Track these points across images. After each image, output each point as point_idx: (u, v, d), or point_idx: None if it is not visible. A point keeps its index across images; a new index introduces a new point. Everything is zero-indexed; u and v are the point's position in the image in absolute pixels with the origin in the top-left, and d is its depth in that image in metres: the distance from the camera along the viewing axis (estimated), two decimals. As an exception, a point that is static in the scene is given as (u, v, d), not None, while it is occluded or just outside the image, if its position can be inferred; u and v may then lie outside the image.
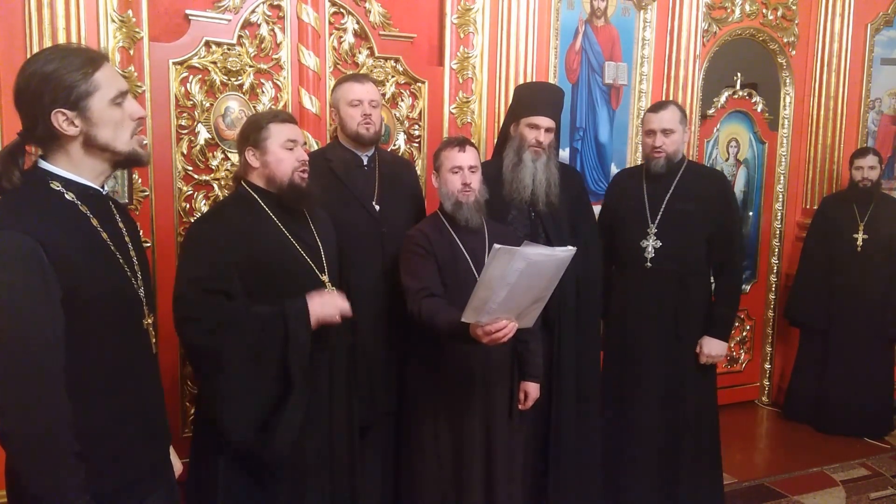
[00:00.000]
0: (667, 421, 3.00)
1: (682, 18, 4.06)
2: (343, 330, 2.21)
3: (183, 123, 3.07)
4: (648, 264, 2.99)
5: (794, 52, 4.57)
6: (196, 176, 3.13)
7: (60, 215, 1.40)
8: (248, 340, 1.96)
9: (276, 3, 3.15)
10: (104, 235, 1.47)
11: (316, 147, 3.09)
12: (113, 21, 2.83)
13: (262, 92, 3.18)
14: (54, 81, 1.39)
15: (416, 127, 3.54)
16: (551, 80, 3.75)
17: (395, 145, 3.49)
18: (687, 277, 2.97)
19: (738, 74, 4.43)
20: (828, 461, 3.87)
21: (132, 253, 1.54)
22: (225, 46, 3.09)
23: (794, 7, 4.51)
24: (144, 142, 2.89)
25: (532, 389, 2.58)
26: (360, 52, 3.36)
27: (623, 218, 3.08)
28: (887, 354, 4.31)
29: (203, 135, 3.11)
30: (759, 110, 4.53)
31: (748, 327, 4.76)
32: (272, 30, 3.17)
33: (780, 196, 4.72)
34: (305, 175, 2.14)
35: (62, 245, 1.36)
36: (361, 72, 3.30)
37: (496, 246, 1.88)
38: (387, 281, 2.59)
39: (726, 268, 3.04)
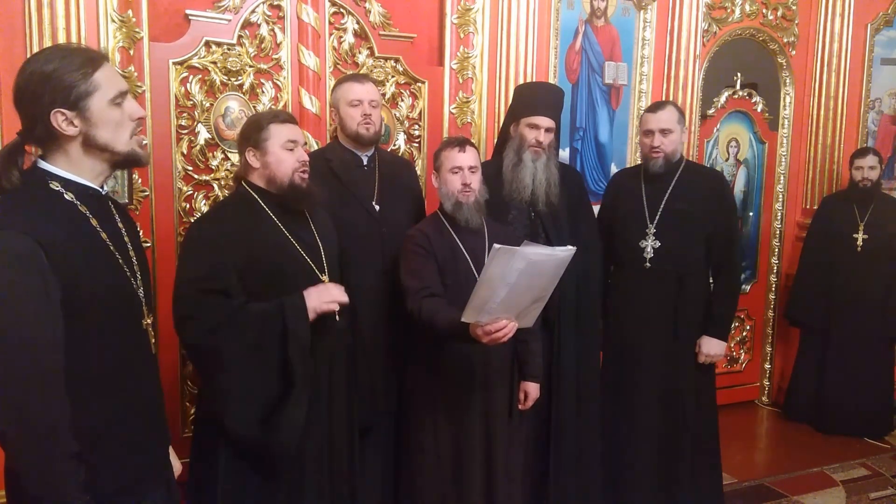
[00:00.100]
0: (666, 421, 3.00)
1: (682, 18, 4.06)
2: (343, 330, 2.21)
3: (183, 123, 3.07)
4: (647, 264, 2.99)
5: (794, 52, 4.57)
6: (196, 176, 3.13)
7: (60, 216, 1.40)
8: (247, 338, 1.97)
9: (276, 3, 3.15)
10: (103, 236, 1.47)
11: (316, 147, 3.09)
12: (113, 21, 2.83)
13: (262, 92, 3.18)
14: (54, 81, 1.38)
15: (416, 127, 3.54)
16: (551, 80, 3.76)
17: (395, 145, 3.49)
18: (686, 277, 2.97)
19: (738, 74, 4.43)
20: (828, 461, 3.87)
21: (131, 253, 1.54)
22: (225, 46, 3.10)
23: (794, 7, 4.51)
24: (144, 142, 2.89)
25: (532, 389, 2.58)
26: (360, 52, 3.37)
27: (622, 218, 3.08)
28: (887, 354, 4.31)
29: (203, 135, 3.11)
30: (759, 110, 4.53)
31: (748, 327, 4.76)
32: (272, 30, 3.17)
33: (780, 196, 4.72)
34: (306, 175, 2.14)
35: (61, 245, 1.35)
36: (361, 72, 3.30)
37: (496, 245, 1.88)
38: (386, 281, 2.59)
39: (725, 267, 3.04)
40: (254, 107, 3.16)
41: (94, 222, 1.46)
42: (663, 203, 2.99)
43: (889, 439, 4.23)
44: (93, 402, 1.43)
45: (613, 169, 4.02)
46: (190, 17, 3.03)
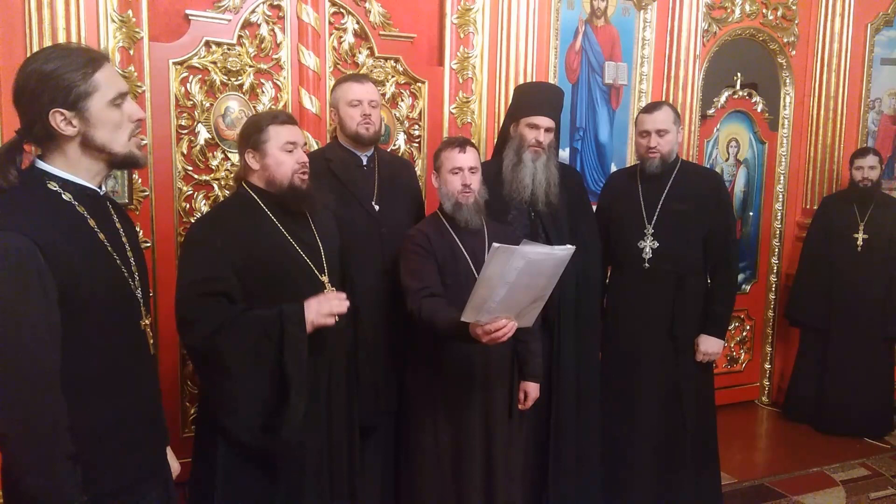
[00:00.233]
0: (665, 420, 3.00)
1: (682, 18, 4.06)
2: (342, 330, 2.21)
3: (183, 123, 3.07)
4: (646, 265, 2.99)
5: (794, 52, 4.57)
6: (196, 176, 3.13)
7: (57, 216, 1.40)
8: (247, 342, 1.97)
9: (276, 3, 3.15)
10: (101, 236, 1.47)
11: (316, 147, 3.09)
12: (113, 21, 2.83)
13: (262, 92, 3.18)
14: (54, 81, 1.38)
15: (416, 127, 3.54)
16: (551, 80, 3.76)
17: (395, 145, 3.49)
18: (685, 277, 2.97)
19: (738, 74, 4.43)
20: (828, 461, 3.87)
21: (129, 254, 1.54)
22: (225, 46, 3.10)
23: (794, 7, 4.51)
24: (144, 142, 2.89)
25: (532, 389, 2.58)
26: (360, 52, 3.37)
27: (619, 219, 3.08)
28: (887, 354, 4.31)
29: (203, 135, 3.11)
30: (759, 110, 4.53)
31: (748, 327, 4.76)
32: (272, 30, 3.17)
33: (780, 196, 4.72)
34: (305, 177, 2.14)
35: (59, 246, 1.35)
36: (361, 72, 3.30)
37: (495, 244, 1.89)
38: (386, 281, 2.59)
39: (722, 266, 3.04)
40: (254, 107, 3.16)
41: (91, 223, 1.45)
42: (660, 203, 2.99)
43: (889, 439, 4.22)
44: (91, 402, 1.43)
45: (613, 169, 4.02)
46: (190, 17, 3.03)
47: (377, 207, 2.66)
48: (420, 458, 2.52)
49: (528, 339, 2.52)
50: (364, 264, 2.54)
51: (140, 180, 2.97)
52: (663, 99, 4.01)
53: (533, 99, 2.81)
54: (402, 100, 3.49)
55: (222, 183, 3.16)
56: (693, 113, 4.16)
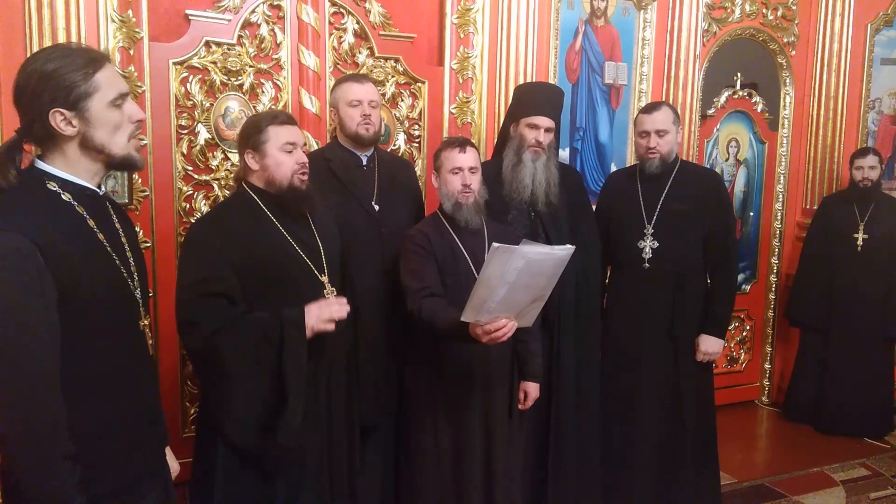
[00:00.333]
0: (665, 420, 3.00)
1: (682, 18, 4.06)
2: (343, 330, 2.20)
3: (183, 123, 3.07)
4: (646, 265, 2.99)
5: (794, 52, 4.57)
6: (196, 176, 3.13)
7: (57, 216, 1.39)
8: (246, 344, 1.97)
9: (276, 3, 3.15)
10: (101, 236, 1.46)
11: (316, 147, 3.09)
12: (113, 21, 2.83)
13: (262, 92, 3.19)
14: (54, 81, 1.38)
15: (416, 127, 3.54)
16: (551, 80, 3.76)
17: (395, 145, 3.49)
18: (685, 277, 2.97)
19: (738, 74, 4.43)
20: (828, 461, 3.87)
21: (129, 254, 1.54)
22: (225, 46, 3.10)
23: (794, 7, 4.51)
24: (144, 143, 2.89)
25: (532, 389, 2.59)
26: (360, 52, 3.37)
27: (619, 219, 3.09)
28: (887, 354, 4.31)
29: (203, 135, 3.11)
30: (759, 110, 4.53)
31: (748, 327, 4.76)
32: (272, 30, 3.17)
33: (780, 196, 4.72)
34: (305, 177, 2.14)
35: (58, 246, 1.35)
36: (361, 72, 3.30)
37: (495, 244, 1.89)
38: (386, 281, 2.59)
39: (721, 265, 3.04)
40: (254, 107, 3.16)
41: (91, 223, 1.45)
42: (660, 203, 2.99)
43: (889, 439, 4.22)
44: (90, 402, 1.43)
45: (613, 169, 4.02)
46: (190, 17, 3.03)
47: (377, 207, 2.66)
48: (420, 458, 2.52)
49: (528, 339, 2.52)
50: (364, 264, 2.54)
51: (140, 180, 2.97)
52: (663, 99, 4.01)
53: (533, 99, 2.81)
54: (402, 100, 3.49)
55: (222, 183, 3.16)
56: (693, 113, 4.16)
